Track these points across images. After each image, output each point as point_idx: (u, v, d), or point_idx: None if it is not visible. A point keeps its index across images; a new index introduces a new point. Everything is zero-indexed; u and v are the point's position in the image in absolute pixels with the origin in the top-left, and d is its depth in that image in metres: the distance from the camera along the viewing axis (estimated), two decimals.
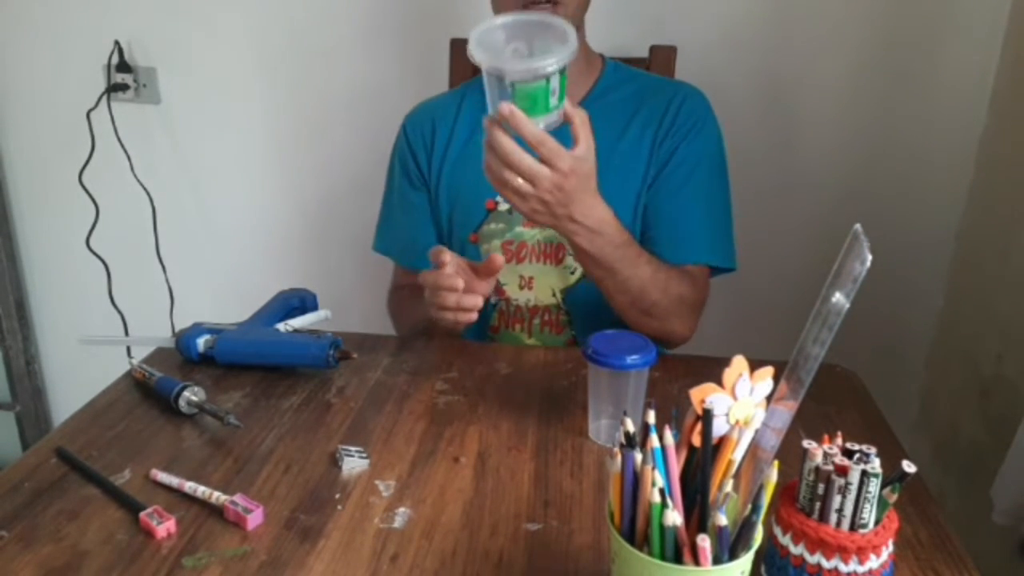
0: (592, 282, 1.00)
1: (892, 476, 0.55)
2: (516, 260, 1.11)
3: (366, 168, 1.56)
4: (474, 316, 0.92)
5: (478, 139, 1.11)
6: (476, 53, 0.78)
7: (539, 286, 1.11)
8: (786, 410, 0.51)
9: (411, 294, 1.15)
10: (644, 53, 1.30)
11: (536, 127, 0.80)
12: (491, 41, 0.80)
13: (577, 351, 1.01)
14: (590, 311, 1.11)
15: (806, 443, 0.56)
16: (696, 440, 0.52)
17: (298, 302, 1.05)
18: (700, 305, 1.09)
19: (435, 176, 1.14)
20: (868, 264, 0.46)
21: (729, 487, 0.50)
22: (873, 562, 0.54)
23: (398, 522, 0.68)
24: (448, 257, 0.90)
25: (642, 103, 1.10)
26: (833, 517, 0.55)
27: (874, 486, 0.53)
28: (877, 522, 0.55)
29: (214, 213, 1.75)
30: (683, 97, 1.10)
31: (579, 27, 1.05)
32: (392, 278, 1.23)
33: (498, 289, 1.12)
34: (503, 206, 1.10)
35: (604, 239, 0.92)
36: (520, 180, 0.83)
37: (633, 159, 1.09)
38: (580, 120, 0.84)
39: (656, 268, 0.99)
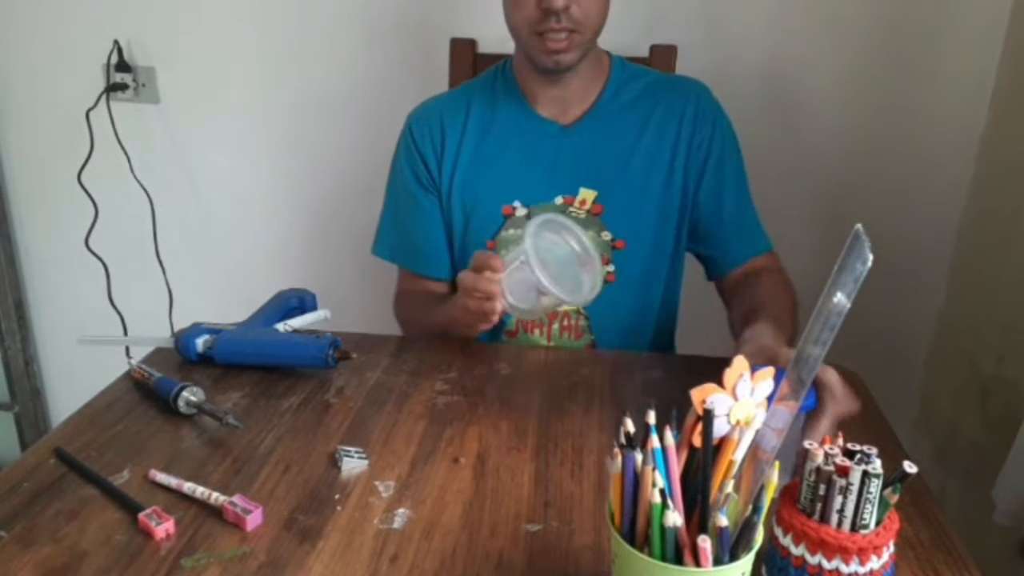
0: (614, 288, 1.07)
1: (893, 476, 0.55)
2: None
3: (366, 168, 1.56)
4: (490, 323, 0.91)
5: (491, 145, 1.11)
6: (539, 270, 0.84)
7: None
8: (787, 410, 0.51)
9: (421, 300, 1.15)
10: (644, 53, 1.30)
11: None
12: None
13: (577, 352, 1.01)
14: (611, 316, 1.11)
15: (807, 443, 0.56)
16: (697, 441, 0.52)
17: (297, 302, 1.04)
18: (790, 282, 1.09)
19: (447, 180, 1.12)
20: (869, 264, 0.46)
21: (730, 488, 0.50)
22: (874, 563, 0.54)
23: (398, 523, 0.68)
24: (499, 264, 0.88)
25: (655, 102, 1.11)
26: (834, 518, 0.54)
27: (875, 487, 0.53)
28: (878, 523, 0.55)
29: (213, 213, 1.74)
30: (696, 95, 1.11)
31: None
32: (398, 283, 1.21)
33: None
34: (520, 211, 1.09)
35: (782, 350, 0.87)
36: None
37: (655, 156, 1.10)
38: None
39: (783, 317, 0.96)
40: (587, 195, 1.09)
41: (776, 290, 1.04)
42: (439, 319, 1.04)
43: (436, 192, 1.14)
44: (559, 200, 1.09)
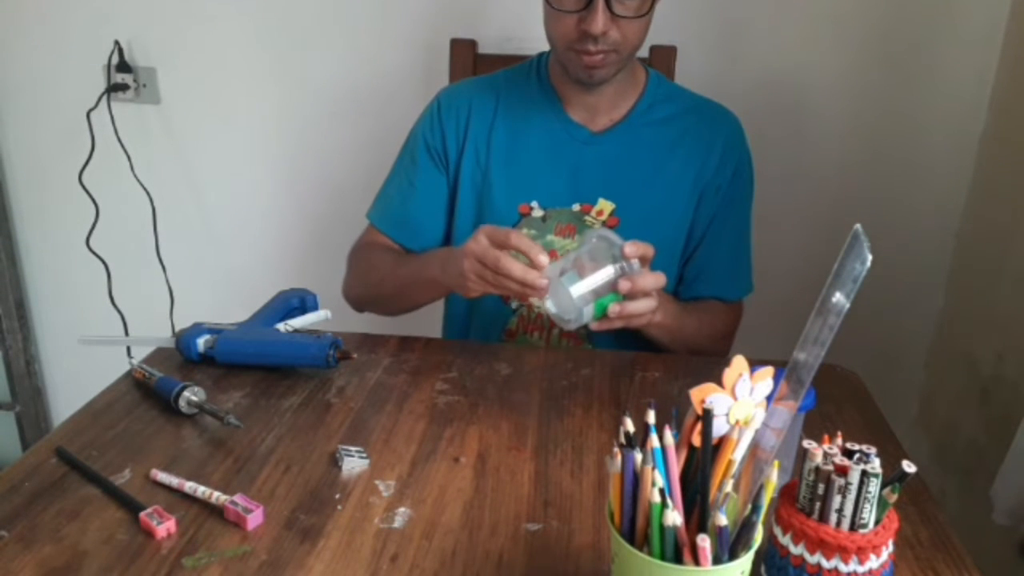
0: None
1: (892, 476, 0.55)
2: None
3: (367, 168, 1.56)
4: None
5: (517, 139, 1.10)
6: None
7: None
8: (786, 410, 0.51)
9: (391, 251, 1.13)
10: (644, 53, 1.30)
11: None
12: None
13: (577, 352, 1.01)
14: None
15: (806, 443, 0.56)
16: (696, 440, 0.52)
17: (298, 302, 1.05)
18: (736, 328, 1.16)
19: (468, 166, 1.11)
20: (868, 264, 0.46)
21: (729, 487, 0.50)
22: (873, 562, 0.54)
23: (398, 522, 0.69)
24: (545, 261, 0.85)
25: (688, 126, 1.10)
26: (833, 517, 0.55)
27: (874, 486, 0.53)
28: (877, 522, 0.55)
29: (214, 213, 1.75)
30: (728, 130, 1.12)
31: None
32: (366, 233, 1.18)
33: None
34: (537, 212, 1.09)
35: (670, 306, 0.98)
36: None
37: (678, 179, 1.10)
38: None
39: (699, 315, 1.07)
40: (605, 206, 1.08)
41: (714, 308, 1.12)
42: (426, 273, 1.02)
43: (445, 170, 1.13)
44: (576, 207, 1.09)
